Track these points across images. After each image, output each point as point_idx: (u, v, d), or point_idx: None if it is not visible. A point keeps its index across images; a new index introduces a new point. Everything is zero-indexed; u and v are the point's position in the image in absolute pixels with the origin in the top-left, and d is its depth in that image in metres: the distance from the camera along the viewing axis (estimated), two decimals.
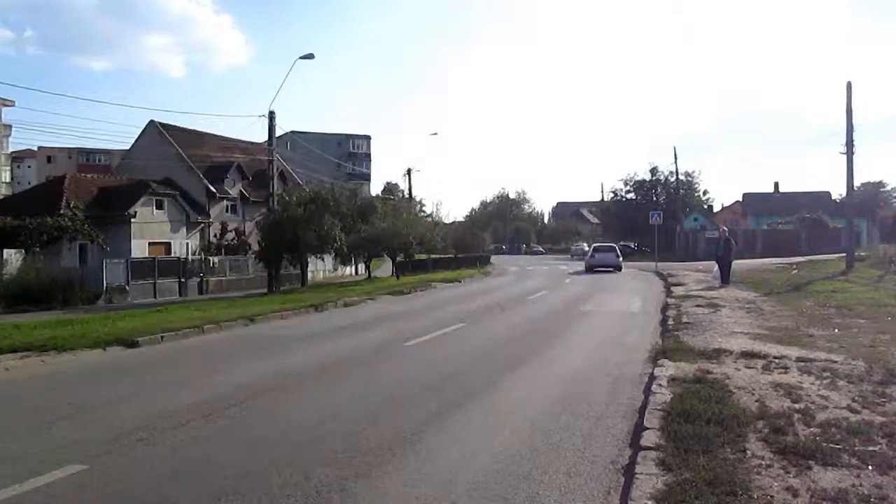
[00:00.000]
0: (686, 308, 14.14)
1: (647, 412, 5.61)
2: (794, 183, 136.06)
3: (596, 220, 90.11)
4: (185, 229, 34.98)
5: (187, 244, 34.56)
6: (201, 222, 36.20)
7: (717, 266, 21.59)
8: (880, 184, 69.21)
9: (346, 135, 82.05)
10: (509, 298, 20.39)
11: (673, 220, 53.00)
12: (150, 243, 32.52)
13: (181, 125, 40.55)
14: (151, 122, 38.51)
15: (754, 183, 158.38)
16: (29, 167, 78.57)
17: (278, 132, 28.39)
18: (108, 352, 10.87)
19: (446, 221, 68.13)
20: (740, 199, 73.42)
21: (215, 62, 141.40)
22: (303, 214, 28.00)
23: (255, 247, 31.93)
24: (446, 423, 5.88)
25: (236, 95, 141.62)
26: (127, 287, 26.62)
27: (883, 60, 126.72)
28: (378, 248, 35.89)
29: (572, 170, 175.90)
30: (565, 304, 17.73)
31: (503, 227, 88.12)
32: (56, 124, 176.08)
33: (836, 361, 7.65)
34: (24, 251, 25.67)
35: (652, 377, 7.11)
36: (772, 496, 3.76)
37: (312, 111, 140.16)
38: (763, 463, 4.29)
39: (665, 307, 15.25)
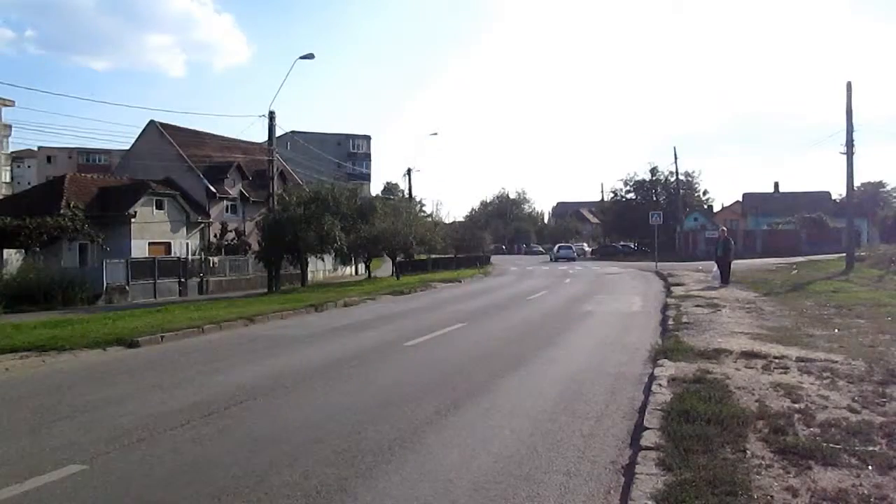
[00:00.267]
0: (686, 308, 14.14)
1: (647, 412, 5.61)
2: (794, 183, 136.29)
3: (596, 220, 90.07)
4: (185, 229, 34.97)
5: (187, 244, 34.56)
6: (201, 222, 36.19)
7: (716, 266, 21.59)
8: (880, 184, 69.27)
9: (346, 135, 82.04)
10: (509, 298, 20.40)
11: (673, 220, 53.05)
12: (150, 243, 32.51)
13: (181, 125, 40.61)
14: (151, 122, 38.52)
15: (754, 183, 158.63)
16: (29, 167, 78.54)
17: (278, 132, 28.42)
18: (108, 352, 10.87)
19: (446, 221, 68.12)
20: (740, 199, 73.48)
21: (216, 62, 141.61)
22: (303, 214, 27.99)
23: (255, 247, 31.93)
24: (446, 423, 5.88)
25: (236, 95, 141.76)
26: (127, 287, 26.61)
27: (883, 60, 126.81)
28: (378, 248, 35.89)
29: (572, 170, 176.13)
30: (565, 304, 17.73)
31: (503, 227, 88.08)
32: (56, 124, 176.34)
33: (836, 361, 7.65)
34: (24, 251, 25.67)
35: (652, 377, 7.11)
36: (772, 496, 3.76)
37: (312, 111, 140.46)
38: (763, 463, 4.29)
39: (665, 307, 15.25)
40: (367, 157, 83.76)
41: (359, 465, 4.72)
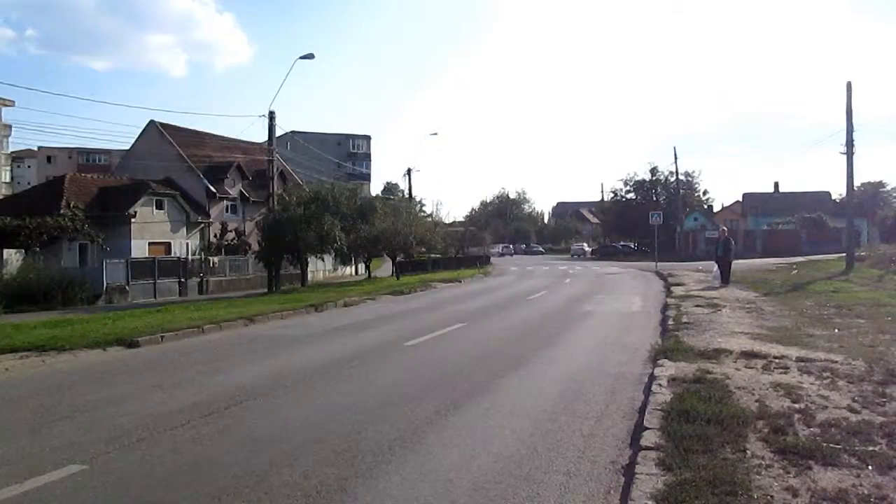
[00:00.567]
0: (686, 308, 14.14)
1: (647, 412, 5.61)
2: (794, 183, 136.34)
3: (596, 220, 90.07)
4: (185, 229, 34.97)
5: (187, 244, 34.56)
6: (201, 222, 36.20)
7: (716, 266, 21.60)
8: (880, 184, 69.31)
9: (346, 135, 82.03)
10: (509, 298, 20.40)
11: (673, 220, 53.03)
12: (150, 243, 32.51)
13: (181, 125, 40.62)
14: (151, 122, 38.52)
15: (754, 183, 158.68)
16: (29, 167, 78.53)
17: (278, 132, 28.44)
18: (108, 352, 10.88)
19: (446, 221, 68.15)
20: (740, 199, 73.50)
21: (217, 62, 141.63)
22: (303, 214, 27.99)
23: (255, 247, 31.94)
24: (446, 423, 5.88)
25: (237, 95, 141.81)
26: (127, 287, 26.62)
27: (883, 60, 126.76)
28: (378, 248, 35.89)
29: (572, 170, 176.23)
30: (565, 304, 17.73)
31: (503, 227, 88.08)
32: (56, 124, 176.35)
33: (836, 361, 7.65)
34: (24, 251, 25.67)
35: (652, 377, 7.11)
36: (772, 496, 3.76)
37: (312, 111, 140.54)
38: (763, 463, 4.29)
39: (665, 307, 15.25)
40: (367, 157, 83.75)
41: (359, 465, 4.72)
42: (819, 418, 5.27)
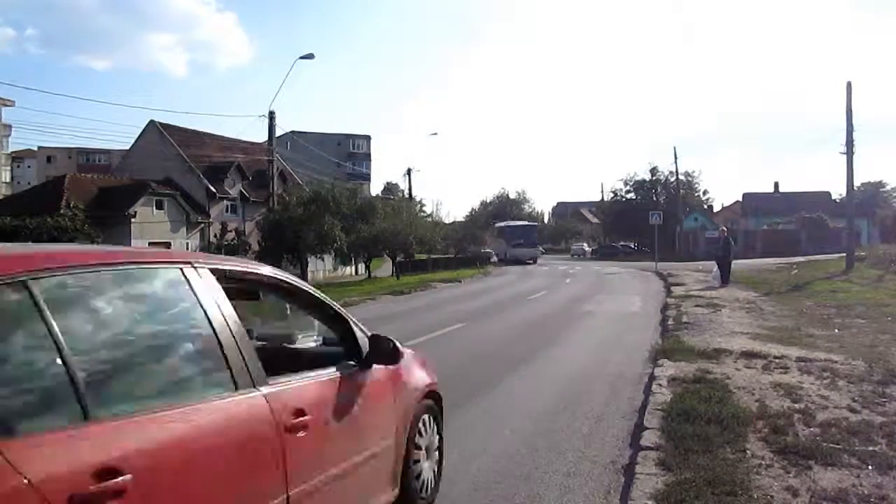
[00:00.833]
0: (686, 308, 14.14)
1: (647, 412, 5.61)
2: (794, 183, 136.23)
3: (596, 220, 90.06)
4: (185, 229, 34.97)
5: (187, 244, 34.56)
6: (201, 222, 36.19)
7: (716, 266, 21.60)
8: (880, 184, 69.31)
9: (346, 135, 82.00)
10: (509, 298, 20.39)
11: (673, 220, 53.02)
12: (150, 243, 32.44)
13: (181, 125, 40.60)
14: (151, 122, 38.50)
15: (754, 183, 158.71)
16: (29, 167, 78.47)
17: (278, 132, 28.43)
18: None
19: (446, 221, 68.05)
20: (740, 199, 73.45)
21: (218, 61, 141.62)
22: (303, 214, 27.98)
23: (255, 247, 31.92)
24: (446, 423, 5.85)
25: (238, 95, 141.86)
26: None
27: (883, 60, 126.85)
28: (378, 248, 35.88)
29: (572, 170, 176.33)
30: (565, 304, 17.73)
31: None
32: (56, 124, 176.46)
33: (836, 361, 7.65)
34: None
35: (652, 377, 7.11)
36: (772, 496, 3.76)
37: (312, 111, 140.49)
38: (763, 463, 4.29)
39: (665, 307, 15.25)
40: (367, 157, 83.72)
41: None
42: (819, 418, 5.27)
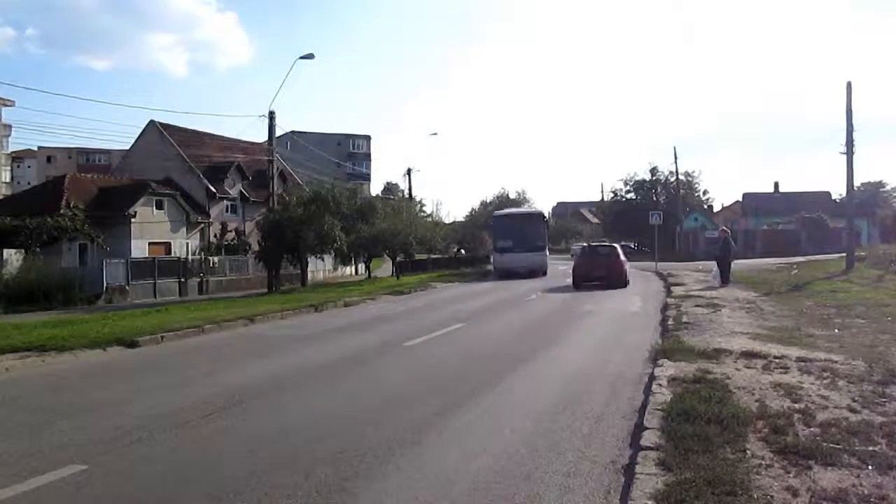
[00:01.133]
0: (686, 308, 14.13)
1: (647, 412, 5.61)
2: (794, 183, 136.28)
3: (596, 220, 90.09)
4: (185, 229, 34.97)
5: (187, 244, 34.56)
6: (201, 222, 36.20)
7: (716, 266, 21.59)
8: (880, 184, 69.40)
9: (346, 135, 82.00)
10: (509, 298, 20.39)
11: (673, 220, 53.01)
12: (150, 243, 32.52)
13: (182, 125, 40.62)
14: (151, 122, 38.51)
15: (754, 183, 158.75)
16: (29, 167, 78.49)
17: (278, 132, 28.50)
18: (108, 352, 10.87)
19: (446, 221, 68.03)
20: (740, 199, 73.48)
21: (218, 61, 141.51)
22: (303, 214, 28.00)
23: (255, 247, 31.94)
24: (446, 423, 5.88)
25: (238, 95, 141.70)
26: (127, 287, 26.62)
27: (883, 60, 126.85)
28: (378, 248, 35.89)
29: (572, 170, 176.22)
30: (565, 304, 17.73)
31: None
32: (56, 124, 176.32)
33: (836, 361, 7.65)
34: (24, 251, 25.66)
35: (652, 377, 7.11)
36: (772, 496, 3.75)
37: (312, 111, 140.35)
38: (763, 463, 4.29)
39: (665, 307, 15.24)
40: (367, 157, 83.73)
41: (359, 464, 4.72)
42: (819, 418, 5.27)
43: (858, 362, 7.55)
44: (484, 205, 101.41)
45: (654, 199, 61.54)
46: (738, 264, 24.52)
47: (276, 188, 29.24)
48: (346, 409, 6.55)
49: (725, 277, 20.76)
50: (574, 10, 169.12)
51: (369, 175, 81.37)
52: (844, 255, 27.75)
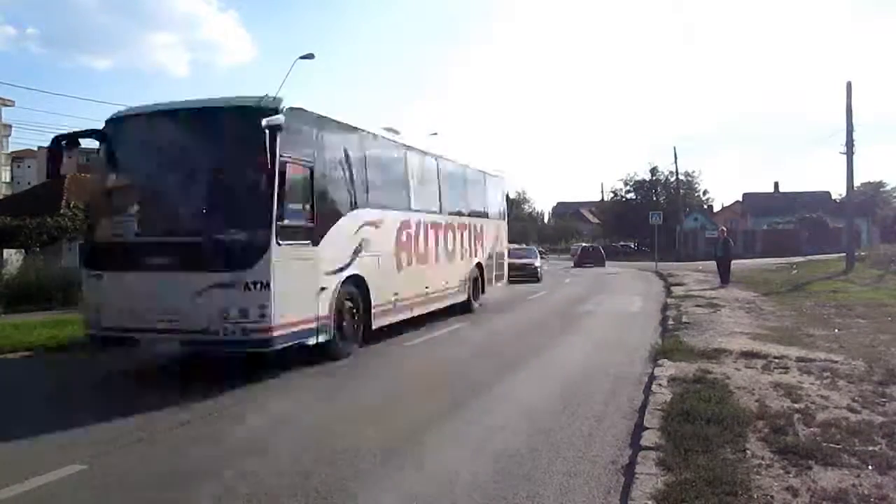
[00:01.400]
0: (686, 308, 14.14)
1: (647, 412, 5.61)
2: (794, 183, 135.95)
3: (596, 220, 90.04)
4: None
5: None
6: None
7: (717, 266, 21.61)
8: (880, 184, 69.17)
9: None
10: (509, 298, 20.37)
11: (673, 220, 52.98)
12: None
13: None
14: None
15: (754, 183, 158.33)
16: (29, 167, 78.41)
17: None
18: (107, 351, 10.84)
19: None
20: (740, 199, 73.51)
21: (219, 61, 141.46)
22: None
23: None
24: (446, 423, 5.88)
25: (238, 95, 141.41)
26: None
27: (883, 60, 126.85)
28: None
29: (572, 170, 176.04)
30: (565, 304, 17.72)
31: None
32: (56, 124, 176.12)
33: (836, 361, 7.65)
34: (24, 251, 25.65)
35: (652, 377, 7.11)
36: (772, 496, 3.76)
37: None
38: (763, 463, 4.29)
39: (665, 307, 15.24)
40: None
41: (359, 465, 4.72)
42: (819, 418, 5.27)
43: (858, 362, 7.55)
44: None
45: (654, 199, 61.49)
46: (737, 264, 24.52)
47: None
48: (345, 409, 6.54)
49: (725, 277, 20.77)
50: (574, 11, 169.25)
51: None
52: (844, 255, 27.75)
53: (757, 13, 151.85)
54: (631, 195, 64.50)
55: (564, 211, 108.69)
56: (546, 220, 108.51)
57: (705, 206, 68.65)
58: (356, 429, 5.68)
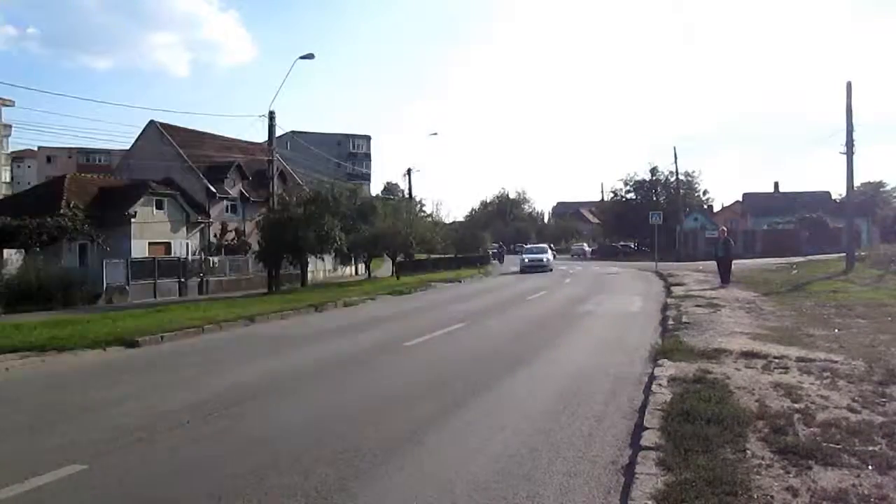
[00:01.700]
0: (686, 308, 14.14)
1: (647, 412, 5.61)
2: (794, 183, 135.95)
3: (596, 220, 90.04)
4: (185, 229, 34.95)
5: (187, 244, 34.54)
6: (201, 222, 36.17)
7: (717, 266, 21.60)
8: (880, 184, 69.12)
9: (346, 135, 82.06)
10: (509, 298, 20.39)
11: (673, 220, 52.97)
12: (150, 243, 32.49)
13: (182, 125, 40.51)
14: (151, 122, 38.49)
15: (754, 183, 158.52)
16: (29, 167, 78.50)
17: (278, 132, 27.98)
18: (108, 352, 10.88)
19: (446, 221, 68.00)
20: (740, 199, 73.45)
21: (219, 61, 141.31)
22: (303, 214, 28.01)
23: (255, 247, 31.92)
24: (446, 423, 5.88)
25: (239, 95, 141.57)
26: (127, 287, 26.60)
27: (883, 60, 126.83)
28: (378, 248, 35.88)
29: (572, 170, 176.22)
30: (565, 304, 17.73)
31: (503, 227, 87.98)
32: (56, 124, 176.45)
33: (836, 361, 7.65)
34: (24, 251, 25.66)
35: (652, 377, 7.11)
36: (772, 496, 3.76)
37: (312, 111, 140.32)
38: (763, 463, 4.29)
39: (665, 307, 15.24)
40: (367, 157, 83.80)
41: (359, 464, 4.72)
42: (819, 418, 5.27)
43: (858, 362, 7.55)
44: (484, 205, 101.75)
45: (654, 199, 61.46)
46: (738, 264, 24.52)
47: (276, 188, 29.24)
48: (345, 409, 6.54)
49: (725, 277, 20.77)
50: (574, 11, 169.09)
51: (369, 175, 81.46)
52: (844, 255, 27.74)
53: (757, 13, 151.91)
54: (631, 195, 64.48)
55: (564, 211, 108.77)
56: (546, 220, 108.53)
57: (705, 206, 68.62)
58: (356, 429, 5.68)
